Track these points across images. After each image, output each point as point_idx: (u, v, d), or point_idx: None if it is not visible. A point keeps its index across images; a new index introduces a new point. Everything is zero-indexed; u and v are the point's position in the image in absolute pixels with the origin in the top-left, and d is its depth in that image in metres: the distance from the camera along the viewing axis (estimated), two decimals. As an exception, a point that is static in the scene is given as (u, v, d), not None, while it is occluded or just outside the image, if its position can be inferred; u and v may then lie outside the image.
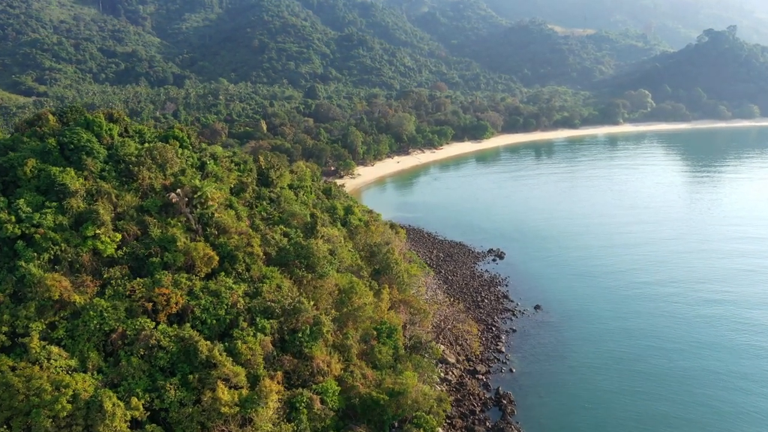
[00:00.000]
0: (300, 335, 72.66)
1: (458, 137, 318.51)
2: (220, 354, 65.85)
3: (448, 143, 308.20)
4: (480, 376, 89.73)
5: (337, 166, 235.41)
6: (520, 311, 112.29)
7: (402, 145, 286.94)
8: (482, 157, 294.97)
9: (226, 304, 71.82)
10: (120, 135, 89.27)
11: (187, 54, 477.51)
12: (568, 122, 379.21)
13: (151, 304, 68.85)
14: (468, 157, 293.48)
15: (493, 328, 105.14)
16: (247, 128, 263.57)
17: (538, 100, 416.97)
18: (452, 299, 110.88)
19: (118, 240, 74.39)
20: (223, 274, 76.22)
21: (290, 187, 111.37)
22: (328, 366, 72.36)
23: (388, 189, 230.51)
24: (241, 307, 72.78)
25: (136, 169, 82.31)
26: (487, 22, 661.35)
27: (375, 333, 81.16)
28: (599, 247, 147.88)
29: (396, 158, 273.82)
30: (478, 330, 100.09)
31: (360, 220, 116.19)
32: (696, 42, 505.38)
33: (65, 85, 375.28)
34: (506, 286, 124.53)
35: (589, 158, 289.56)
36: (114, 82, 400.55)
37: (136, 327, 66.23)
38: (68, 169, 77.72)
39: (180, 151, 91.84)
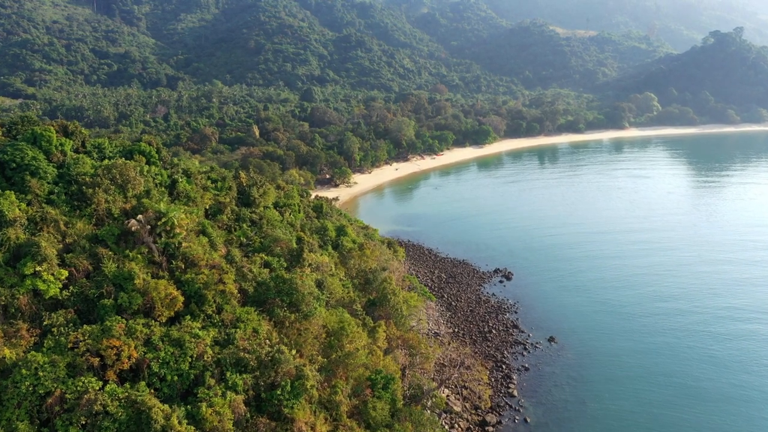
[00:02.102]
0: (279, 392, 61.06)
1: (459, 142, 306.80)
2: (180, 422, 54.24)
3: (449, 149, 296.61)
4: (490, 429, 78.00)
5: (332, 173, 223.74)
6: (532, 344, 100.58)
7: (401, 151, 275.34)
8: (485, 164, 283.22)
9: (191, 356, 60.07)
10: (75, 151, 77.53)
11: (182, 55, 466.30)
12: (573, 126, 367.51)
13: (98, 358, 57.16)
14: (469, 163, 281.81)
15: (503, 366, 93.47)
16: (239, 133, 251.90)
17: (541, 103, 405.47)
18: (458, 339, 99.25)
19: (63, 278, 62.47)
20: (188, 317, 64.40)
21: (275, 205, 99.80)
22: (312, 429, 60.93)
23: (386, 198, 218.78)
24: (209, 359, 61.05)
25: (91, 191, 70.49)
26: (487, 23, 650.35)
27: (369, 383, 69.64)
28: (614, 265, 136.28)
29: (394, 165, 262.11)
30: (488, 376, 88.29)
31: (353, 242, 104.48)
32: (701, 44, 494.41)
33: (55, 87, 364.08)
34: (515, 313, 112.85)
35: (596, 164, 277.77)
36: (106, 84, 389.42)
37: (78, 389, 54.39)
38: (8, 192, 66.06)
39: (146, 168, 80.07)
